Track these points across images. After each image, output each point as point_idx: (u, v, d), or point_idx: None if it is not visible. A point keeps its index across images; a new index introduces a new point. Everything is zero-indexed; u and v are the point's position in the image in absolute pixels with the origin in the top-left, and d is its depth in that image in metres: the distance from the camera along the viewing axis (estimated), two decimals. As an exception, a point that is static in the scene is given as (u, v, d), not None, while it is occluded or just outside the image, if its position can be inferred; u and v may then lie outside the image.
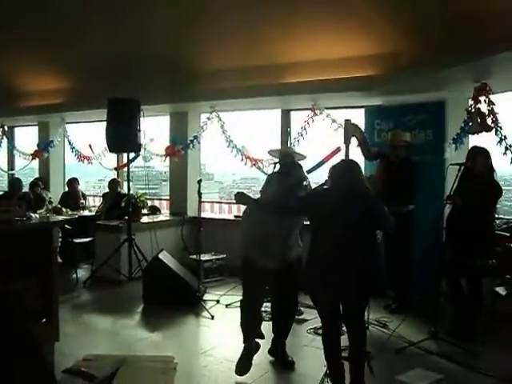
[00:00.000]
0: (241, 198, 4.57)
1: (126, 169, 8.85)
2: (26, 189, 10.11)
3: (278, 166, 5.07)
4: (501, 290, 5.56)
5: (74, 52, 9.11)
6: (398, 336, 5.63)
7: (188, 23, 7.76)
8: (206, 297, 7.16)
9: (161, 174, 11.32)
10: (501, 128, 5.88)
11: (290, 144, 8.19)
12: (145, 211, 8.83)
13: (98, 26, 8.35)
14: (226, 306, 6.90)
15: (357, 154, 6.30)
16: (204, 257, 7.88)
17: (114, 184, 9.37)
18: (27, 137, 12.41)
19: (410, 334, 5.68)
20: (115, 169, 10.60)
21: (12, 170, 12.63)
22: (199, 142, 9.27)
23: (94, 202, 11.03)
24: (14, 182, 10.31)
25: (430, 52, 5.92)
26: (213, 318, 6.41)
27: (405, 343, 5.40)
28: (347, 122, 5.95)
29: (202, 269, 7.71)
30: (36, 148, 11.44)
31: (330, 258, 3.93)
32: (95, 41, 8.65)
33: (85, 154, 10.67)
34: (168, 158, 9.48)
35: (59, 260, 6.20)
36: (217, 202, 10.33)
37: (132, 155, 8.45)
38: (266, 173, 8.34)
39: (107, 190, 9.56)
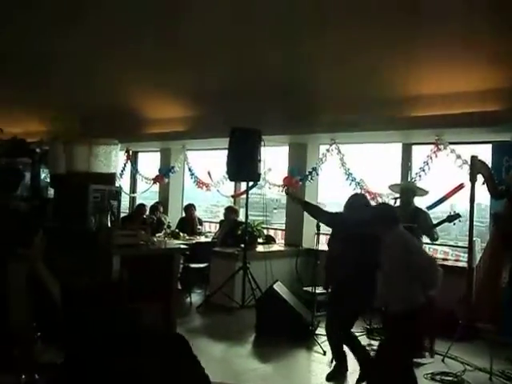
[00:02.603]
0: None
1: (242, 196, 8.95)
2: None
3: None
4: None
5: (197, 81, 9.39)
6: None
7: (309, 56, 7.80)
8: (319, 331, 7.03)
9: (272, 202, 11.35)
10: None
11: (411, 179, 7.97)
12: (260, 240, 8.86)
13: (221, 56, 8.57)
14: (339, 341, 6.74)
15: (483, 192, 6.05)
16: (318, 290, 7.75)
17: (230, 212, 9.48)
18: (149, 162, 12.87)
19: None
20: (232, 196, 10.74)
21: (133, 192, 13.12)
22: (317, 174, 9.21)
23: (209, 228, 11.21)
24: (139, 207, 10.63)
25: None
26: (325, 353, 6.26)
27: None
28: (474, 158, 5.71)
29: (316, 302, 7.58)
30: (157, 173, 11.82)
31: None
32: (218, 71, 8.88)
33: (203, 180, 10.89)
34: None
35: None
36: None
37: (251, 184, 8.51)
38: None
39: (221, 215, 9.66)
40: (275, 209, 10.96)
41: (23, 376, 2.56)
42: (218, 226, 10.27)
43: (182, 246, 5.70)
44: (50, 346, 2.86)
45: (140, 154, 13.26)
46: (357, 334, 5.66)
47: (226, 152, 8.06)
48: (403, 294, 4.14)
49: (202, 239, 9.71)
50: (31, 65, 10.52)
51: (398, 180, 8.29)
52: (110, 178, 5.00)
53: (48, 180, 6.67)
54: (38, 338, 2.65)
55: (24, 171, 6.41)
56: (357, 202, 5.39)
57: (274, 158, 9.82)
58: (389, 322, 4.54)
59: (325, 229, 6.85)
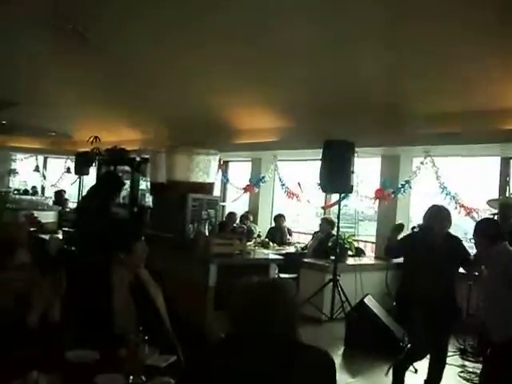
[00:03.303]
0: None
1: (332, 209, 8.89)
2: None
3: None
4: None
5: (290, 92, 9.47)
6: None
7: (402, 68, 7.70)
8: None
9: (357, 214, 11.20)
10: None
11: (510, 194, 7.70)
12: (350, 252, 8.79)
13: (315, 68, 8.60)
14: (431, 360, 6.57)
15: None
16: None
17: (327, 223, 9.40)
18: (240, 171, 13.05)
19: None
20: (323, 207, 10.71)
21: (224, 201, 13.33)
22: (410, 187, 9.05)
23: (298, 238, 11.22)
24: (230, 215, 10.79)
25: None
26: (416, 371, 6.11)
27: None
28: None
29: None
30: (248, 182, 11.97)
31: None
32: (312, 83, 8.91)
33: (293, 190, 10.93)
34: (377, 201, 9.37)
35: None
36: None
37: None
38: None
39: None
40: (361, 220, 10.84)
41: (131, 377, 2.66)
42: (300, 236, 10.24)
43: (278, 257, 5.71)
44: (155, 349, 2.95)
45: (230, 164, 13.48)
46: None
47: (316, 163, 8.07)
48: (507, 316, 3.99)
49: (291, 249, 9.73)
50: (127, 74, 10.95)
51: (495, 195, 8.02)
52: (209, 187, 5.12)
53: (147, 188, 6.91)
54: (143, 341, 2.74)
55: (124, 179, 6.66)
56: (440, 213, 5.17)
57: (365, 170, 9.75)
58: (491, 346, 4.37)
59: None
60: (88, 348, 2.98)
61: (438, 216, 5.13)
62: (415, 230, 5.41)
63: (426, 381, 5.22)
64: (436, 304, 4.95)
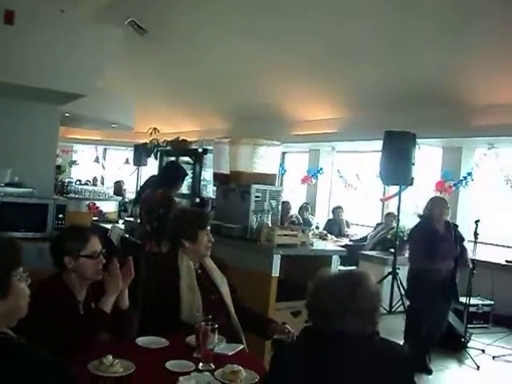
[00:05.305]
0: None
1: (391, 201, 8.76)
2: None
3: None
4: None
5: (349, 83, 9.41)
6: None
7: (464, 59, 7.55)
8: (471, 344, 6.77)
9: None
10: None
11: None
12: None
13: (376, 60, 8.52)
14: (493, 357, 6.45)
15: None
16: (471, 300, 7.46)
17: (392, 217, 9.26)
18: (298, 162, 13.04)
19: None
20: (381, 200, 10.60)
21: (281, 192, 13.32)
22: (473, 179, 8.87)
23: (355, 230, 11.13)
24: (284, 204, 10.77)
25: None
26: (478, 368, 6.03)
27: None
28: None
29: (467, 313, 7.30)
30: (306, 174, 11.95)
31: None
32: (372, 74, 8.83)
33: (352, 182, 10.87)
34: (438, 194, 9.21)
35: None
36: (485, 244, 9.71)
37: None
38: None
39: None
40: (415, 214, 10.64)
41: (200, 364, 2.70)
42: (357, 227, 10.17)
43: (340, 248, 5.69)
44: (222, 337, 2.99)
45: (287, 155, 13.47)
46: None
47: (374, 155, 7.98)
48: None
49: (348, 241, 9.66)
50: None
51: None
52: (272, 178, 5.13)
53: (209, 179, 6.98)
54: (213, 329, 2.78)
55: (186, 169, 6.74)
56: (439, 203, 6.12)
57: (425, 161, 9.59)
58: None
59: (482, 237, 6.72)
60: (157, 334, 3.04)
61: (435, 205, 6.02)
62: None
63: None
64: (445, 284, 5.85)
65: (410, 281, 6.29)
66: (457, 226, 6.21)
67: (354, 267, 8.38)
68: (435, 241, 5.81)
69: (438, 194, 9.12)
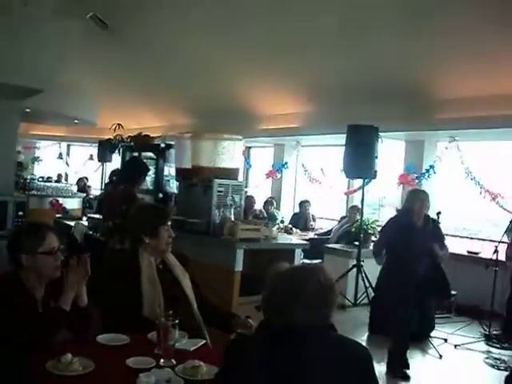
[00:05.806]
0: None
1: (355, 194, 8.82)
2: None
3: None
4: None
5: (312, 77, 9.41)
6: None
7: (426, 52, 7.62)
8: (433, 333, 6.87)
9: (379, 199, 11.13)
10: None
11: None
12: (373, 238, 8.74)
13: (338, 53, 8.54)
14: (455, 346, 6.56)
15: None
16: (434, 291, 7.57)
17: (356, 211, 9.27)
18: (262, 157, 13.05)
19: None
20: (345, 193, 10.68)
21: (246, 186, 13.32)
22: (435, 172, 8.97)
23: (320, 224, 11.19)
24: (248, 198, 10.78)
25: None
26: (441, 357, 6.12)
27: None
28: None
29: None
30: (271, 168, 11.96)
31: None
32: (335, 67, 8.85)
33: (316, 177, 10.92)
34: (401, 186, 9.31)
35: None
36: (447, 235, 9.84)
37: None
38: (506, 209, 7.86)
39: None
40: (382, 206, 10.78)
41: (162, 360, 2.68)
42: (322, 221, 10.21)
43: (303, 242, 5.71)
44: (184, 333, 2.98)
45: (252, 150, 13.47)
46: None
47: (338, 149, 8.03)
48: None
49: (314, 235, 9.71)
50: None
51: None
52: (234, 172, 5.12)
53: (172, 174, 6.93)
54: (174, 324, 2.76)
55: (149, 165, 6.69)
56: (419, 195, 5.97)
57: (389, 154, 9.69)
58: None
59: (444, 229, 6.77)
60: (118, 331, 3.01)
61: (416, 198, 5.83)
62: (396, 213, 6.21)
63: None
64: (427, 281, 5.62)
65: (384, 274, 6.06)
66: (437, 222, 6.03)
67: (318, 260, 8.47)
68: (411, 235, 5.63)
69: (401, 187, 9.24)
